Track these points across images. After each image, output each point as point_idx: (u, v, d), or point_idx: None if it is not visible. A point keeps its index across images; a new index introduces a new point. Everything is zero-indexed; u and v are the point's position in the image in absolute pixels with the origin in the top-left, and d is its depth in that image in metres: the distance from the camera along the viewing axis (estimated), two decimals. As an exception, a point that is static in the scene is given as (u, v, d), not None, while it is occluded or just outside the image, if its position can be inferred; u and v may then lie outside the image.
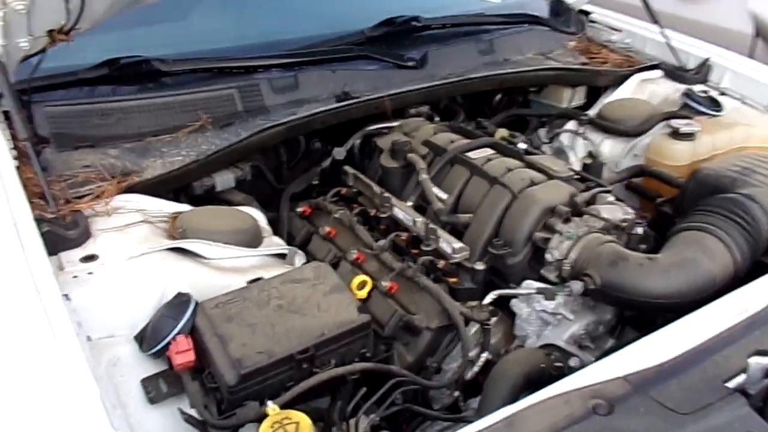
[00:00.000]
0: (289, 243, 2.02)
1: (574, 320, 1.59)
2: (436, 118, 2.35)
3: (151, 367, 1.37)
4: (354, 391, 1.35)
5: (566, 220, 1.66)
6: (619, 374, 1.23)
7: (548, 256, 1.63)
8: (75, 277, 1.43)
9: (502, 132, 2.18)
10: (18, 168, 1.66)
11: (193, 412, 1.27)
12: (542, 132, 2.50)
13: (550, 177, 1.80)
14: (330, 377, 1.32)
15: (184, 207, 1.75)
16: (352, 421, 1.33)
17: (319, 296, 1.42)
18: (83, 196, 1.63)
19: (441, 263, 1.72)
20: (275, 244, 1.74)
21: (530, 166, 1.86)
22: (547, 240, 1.64)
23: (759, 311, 1.36)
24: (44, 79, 1.96)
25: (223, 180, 1.91)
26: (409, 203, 1.88)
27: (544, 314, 1.61)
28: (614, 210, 1.69)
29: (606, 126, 2.32)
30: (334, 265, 1.85)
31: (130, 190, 1.70)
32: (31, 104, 1.93)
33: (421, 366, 1.60)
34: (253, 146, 1.89)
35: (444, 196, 1.85)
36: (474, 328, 1.67)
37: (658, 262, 1.52)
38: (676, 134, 2.06)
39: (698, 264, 1.52)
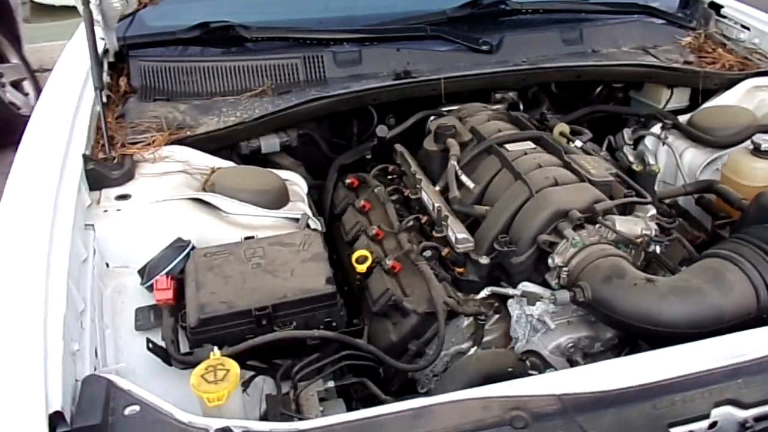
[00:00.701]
0: (331, 211, 2.13)
1: (558, 331, 1.52)
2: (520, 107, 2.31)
3: (149, 300, 1.55)
4: (314, 357, 1.42)
5: (579, 227, 1.57)
6: (556, 392, 1.18)
7: (551, 261, 1.56)
8: (105, 211, 1.65)
9: (562, 127, 2.07)
10: (102, 111, 1.89)
11: (163, 344, 1.42)
12: (627, 133, 2.31)
13: (582, 179, 1.70)
14: (284, 337, 1.40)
15: (226, 163, 1.91)
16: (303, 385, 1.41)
17: (297, 262, 1.50)
18: (138, 143, 1.84)
19: (446, 251, 1.71)
20: (298, 209, 1.84)
21: (567, 165, 1.76)
22: (553, 244, 1.57)
23: (751, 360, 1.21)
24: (143, 37, 2.22)
25: (268, 144, 2.04)
26: (437, 187, 1.88)
27: (532, 319, 1.55)
28: (633, 223, 1.56)
29: (692, 133, 2.11)
30: (355, 238, 1.93)
31: (180, 142, 1.89)
32: (128, 58, 2.21)
33: (404, 347, 1.62)
34: (300, 115, 1.99)
35: (471, 185, 1.82)
36: (467, 321, 1.66)
37: (656, 285, 1.39)
38: (757, 151, 1.82)
39: (703, 294, 1.37)
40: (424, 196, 1.85)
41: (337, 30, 2.21)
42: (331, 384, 1.47)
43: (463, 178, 1.83)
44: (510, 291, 1.56)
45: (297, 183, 2.00)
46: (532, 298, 1.49)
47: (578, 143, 2.00)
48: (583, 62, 2.21)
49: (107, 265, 1.61)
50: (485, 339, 1.66)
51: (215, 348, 1.33)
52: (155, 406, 1.14)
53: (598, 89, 2.55)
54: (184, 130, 1.93)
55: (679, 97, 2.41)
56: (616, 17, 2.46)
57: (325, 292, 1.43)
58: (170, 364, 1.39)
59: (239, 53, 2.23)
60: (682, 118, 2.20)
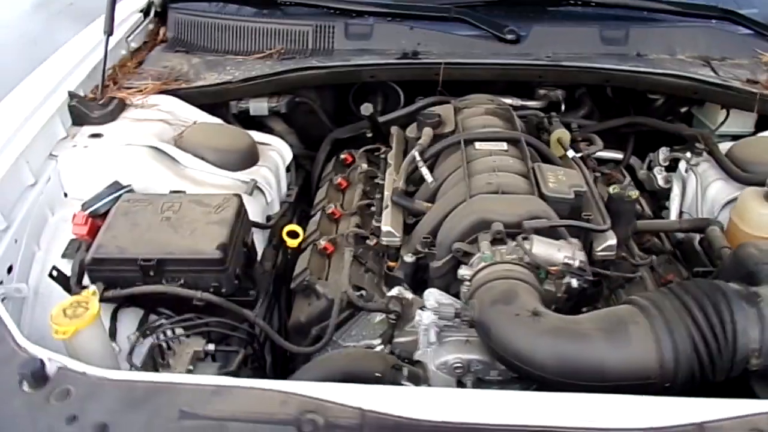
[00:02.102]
0: (318, 182, 2.12)
1: (450, 347, 1.39)
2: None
3: (86, 232, 1.66)
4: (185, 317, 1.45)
5: (498, 241, 1.42)
6: (363, 406, 1.10)
7: (460, 272, 1.44)
8: (74, 146, 1.78)
9: (560, 134, 1.86)
10: (104, 55, 2.00)
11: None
12: (663, 152, 2.03)
13: (532, 191, 1.53)
14: (165, 292, 1.44)
15: (210, 119, 1.97)
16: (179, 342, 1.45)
17: (203, 222, 1.51)
18: (131, 89, 1.96)
19: (374, 242, 1.65)
20: (259, 174, 1.85)
21: (526, 174, 1.60)
22: (468, 254, 1.44)
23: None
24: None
25: (256, 106, 2.06)
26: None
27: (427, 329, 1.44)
28: (556, 249, 1.37)
29: (724, 164, 1.80)
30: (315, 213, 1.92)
31: (172, 93, 1.97)
32: (169, 9, 2.33)
33: (309, 329, 1.60)
34: (290, 82, 1.99)
35: (430, 179, 1.71)
36: (379, 317, 1.59)
37: (538, 321, 1.22)
38: (770, 196, 1.52)
39: (587, 343, 1.18)
40: (383, 183, 1.79)
41: (358, 2, 2.15)
42: (211, 347, 1.48)
43: (424, 170, 1.73)
44: (408, 295, 1.46)
45: (279, 149, 2.01)
46: (407, 305, 1.39)
47: (571, 153, 1.80)
48: (614, 65, 1.95)
49: (65, 194, 1.74)
50: (400, 340, 1.56)
51: (92, 286, 1.41)
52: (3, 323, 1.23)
53: (661, 101, 2.26)
54: (179, 81, 2.01)
55: (741, 122, 2.06)
56: (683, 19, 2.13)
57: (212, 256, 1.44)
58: (70, 293, 1.49)
59: (260, 15, 2.25)
60: (724, 146, 1.89)
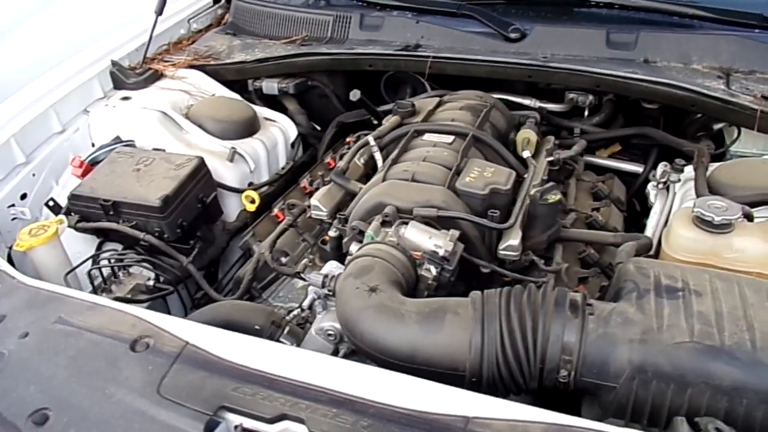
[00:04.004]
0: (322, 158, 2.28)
1: (330, 315, 1.48)
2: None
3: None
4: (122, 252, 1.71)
5: (387, 223, 1.49)
6: (191, 340, 1.26)
7: (350, 248, 1.52)
8: (106, 105, 2.13)
9: (526, 134, 1.83)
10: (151, 32, 2.31)
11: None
12: (660, 167, 1.89)
13: (444, 183, 1.56)
14: (117, 229, 1.71)
15: (227, 93, 2.22)
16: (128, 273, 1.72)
17: (161, 177, 1.76)
18: (167, 62, 2.27)
19: (308, 214, 1.78)
20: (249, 145, 2.06)
21: (453, 167, 1.62)
22: (362, 233, 1.52)
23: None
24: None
25: (268, 86, 2.27)
26: (361, 159, 1.90)
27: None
28: (428, 237, 1.40)
29: (697, 184, 1.66)
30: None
31: (200, 68, 2.26)
32: (234, -5, 2.63)
33: (249, 287, 1.77)
34: (298, 65, 2.17)
35: (380, 164, 1.80)
36: (302, 282, 1.72)
37: (369, 297, 1.27)
38: (701, 219, 1.39)
39: (401, 324, 1.22)
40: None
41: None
42: (150, 282, 1.72)
43: (376, 155, 1.82)
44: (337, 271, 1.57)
45: (283, 126, 2.21)
46: (291, 273, 1.50)
47: (526, 153, 1.77)
48: (605, 69, 1.86)
49: (93, 144, 2.09)
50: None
51: (62, 216, 1.72)
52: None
53: (696, 116, 2.09)
54: (209, 59, 2.29)
55: (763, 143, 1.84)
56: (709, 25, 1.95)
57: (152, 204, 1.68)
58: (59, 219, 1.83)
59: (296, 5, 2.45)
60: (714, 166, 1.73)
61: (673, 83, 1.79)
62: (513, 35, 2.06)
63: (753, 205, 1.52)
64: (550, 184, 1.55)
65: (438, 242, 1.40)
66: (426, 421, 1.07)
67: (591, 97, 2.17)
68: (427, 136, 1.77)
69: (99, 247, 1.79)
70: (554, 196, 1.53)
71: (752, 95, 1.77)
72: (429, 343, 1.21)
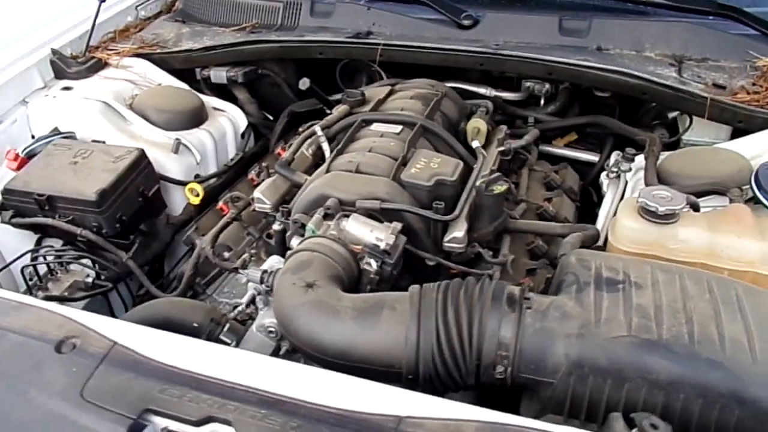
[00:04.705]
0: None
1: (267, 310, 1.44)
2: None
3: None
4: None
5: (329, 216, 1.44)
6: (119, 340, 1.21)
7: (291, 242, 1.48)
8: (46, 95, 2.05)
9: (476, 123, 1.80)
10: (93, 20, 2.22)
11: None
12: (614, 156, 1.88)
13: (389, 174, 1.52)
14: (52, 225, 1.64)
15: (174, 83, 2.15)
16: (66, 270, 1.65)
17: (99, 170, 1.69)
18: (111, 50, 2.19)
19: (252, 207, 1.72)
20: (195, 136, 2.00)
21: (399, 157, 1.59)
22: (303, 226, 1.48)
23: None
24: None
25: (216, 74, 2.20)
26: (311, 150, 1.85)
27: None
28: (370, 229, 1.36)
29: (646, 173, 1.64)
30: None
31: (146, 56, 2.18)
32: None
33: (191, 283, 1.72)
34: (246, 54, 2.11)
35: (328, 153, 1.75)
36: (245, 278, 1.67)
37: (306, 293, 1.23)
38: (645, 210, 1.36)
39: (336, 321, 1.18)
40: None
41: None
42: (90, 279, 1.66)
43: (324, 145, 1.77)
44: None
45: (233, 116, 2.15)
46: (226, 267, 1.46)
47: (475, 143, 1.74)
48: (557, 57, 1.83)
49: (33, 136, 2.01)
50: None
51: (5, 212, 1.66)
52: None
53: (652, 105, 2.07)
54: (155, 47, 2.21)
55: (714, 132, 1.83)
56: (657, 12, 1.93)
57: (88, 198, 1.62)
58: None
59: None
60: (665, 155, 1.71)
61: (623, 71, 1.77)
62: (465, 22, 2.02)
63: (700, 194, 1.51)
64: (497, 174, 1.52)
65: (379, 235, 1.36)
66: (357, 422, 1.03)
67: (548, 86, 2.14)
68: (374, 126, 1.72)
69: (38, 243, 1.72)
70: (500, 187, 1.50)
71: (704, 83, 1.76)
72: (365, 340, 1.17)
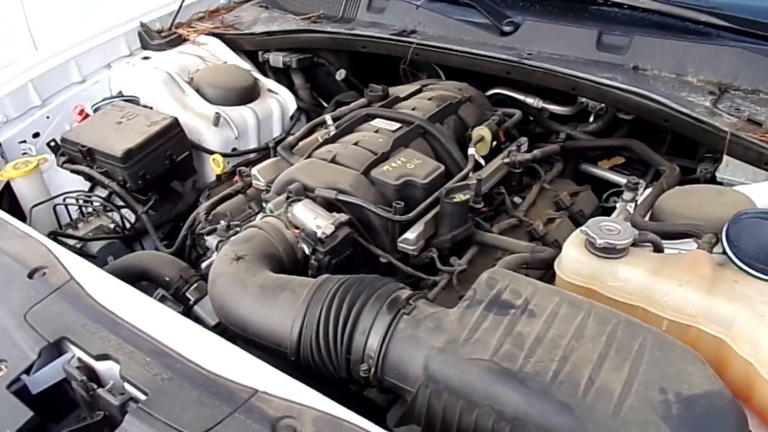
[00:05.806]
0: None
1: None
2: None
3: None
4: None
5: (293, 200, 1.52)
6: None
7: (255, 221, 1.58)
8: (127, 62, 2.33)
9: (481, 131, 1.76)
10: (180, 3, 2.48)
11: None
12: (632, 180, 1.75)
13: (366, 170, 1.55)
14: (87, 173, 1.89)
15: (238, 62, 2.34)
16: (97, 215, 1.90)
17: (134, 131, 1.90)
18: (192, 28, 2.43)
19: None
20: (238, 113, 2.16)
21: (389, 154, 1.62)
22: (269, 204, 1.57)
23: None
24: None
25: (274, 59, 2.34)
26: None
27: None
28: (314, 218, 1.42)
29: (643, 208, 1.52)
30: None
31: (219, 36, 2.39)
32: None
33: (183, 242, 1.88)
34: (300, 41, 2.24)
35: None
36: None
37: (229, 265, 1.32)
38: (591, 244, 1.27)
39: (241, 294, 1.26)
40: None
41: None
42: (112, 225, 1.89)
43: (332, 133, 1.84)
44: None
45: (283, 99, 2.29)
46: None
47: (471, 151, 1.70)
48: (583, 73, 1.72)
49: (118, 94, 2.29)
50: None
51: (51, 156, 1.94)
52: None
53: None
54: (229, 28, 2.41)
55: (751, 173, 1.63)
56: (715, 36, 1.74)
57: (116, 154, 1.84)
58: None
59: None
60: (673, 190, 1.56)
61: (646, 94, 1.63)
62: (506, 28, 1.97)
63: (677, 236, 1.37)
64: (465, 183, 1.50)
65: (320, 223, 1.41)
66: (217, 385, 1.10)
67: (602, 104, 2.02)
68: (375, 122, 1.76)
69: (90, 190, 1.99)
70: (463, 196, 1.48)
71: (737, 117, 1.57)
72: (260, 316, 1.24)
